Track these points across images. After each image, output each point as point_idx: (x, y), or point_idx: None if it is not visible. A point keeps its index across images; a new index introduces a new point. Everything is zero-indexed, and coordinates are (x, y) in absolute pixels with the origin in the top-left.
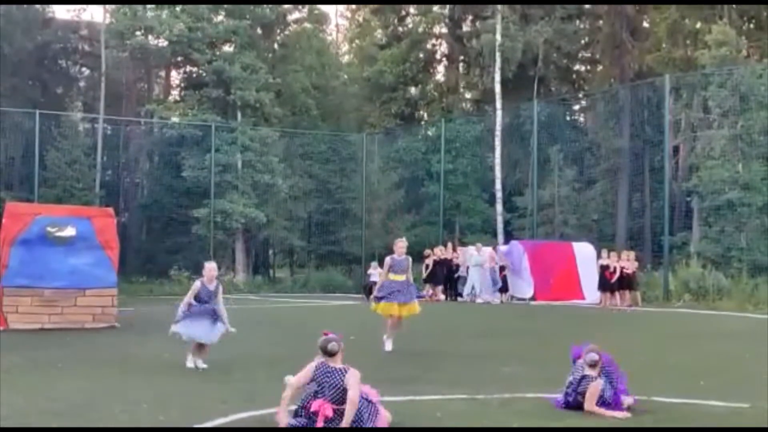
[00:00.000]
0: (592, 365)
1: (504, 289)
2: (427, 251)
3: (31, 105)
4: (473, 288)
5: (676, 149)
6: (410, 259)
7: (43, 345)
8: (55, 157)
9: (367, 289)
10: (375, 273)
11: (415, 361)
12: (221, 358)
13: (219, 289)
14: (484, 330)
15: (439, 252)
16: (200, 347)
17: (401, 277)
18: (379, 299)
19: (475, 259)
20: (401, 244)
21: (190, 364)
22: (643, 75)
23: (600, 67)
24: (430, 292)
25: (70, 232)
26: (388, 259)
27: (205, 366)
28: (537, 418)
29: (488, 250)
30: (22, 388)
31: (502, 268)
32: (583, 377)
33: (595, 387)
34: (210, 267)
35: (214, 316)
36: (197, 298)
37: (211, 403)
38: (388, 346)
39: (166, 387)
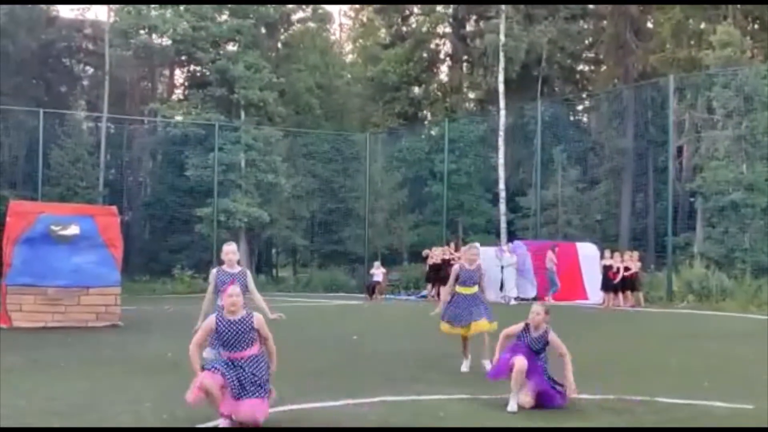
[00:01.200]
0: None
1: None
2: (426, 251)
3: (34, 104)
4: (504, 289)
5: (679, 150)
6: (483, 268)
7: (45, 344)
8: (59, 156)
9: (371, 288)
10: (378, 273)
11: (417, 361)
12: None
13: (248, 276)
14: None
15: (440, 252)
16: None
17: (471, 290)
18: (442, 317)
19: (506, 260)
20: (474, 251)
21: None
22: (647, 75)
23: (604, 68)
24: (433, 292)
25: (73, 230)
26: (456, 268)
27: None
28: (539, 418)
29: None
30: (24, 388)
31: (504, 269)
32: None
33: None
34: (228, 249)
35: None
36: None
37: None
38: (465, 367)
39: (169, 386)
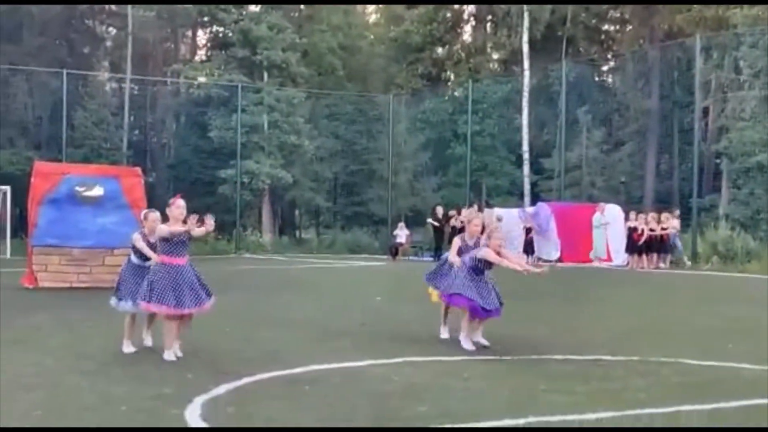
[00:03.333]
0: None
1: (530, 251)
2: (452, 212)
3: (58, 64)
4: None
5: (705, 110)
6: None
7: (72, 303)
8: (83, 117)
9: (394, 250)
10: (401, 234)
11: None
12: (245, 319)
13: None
14: (510, 292)
15: (465, 213)
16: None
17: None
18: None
19: (597, 219)
20: (477, 222)
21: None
22: (673, 35)
23: (629, 27)
24: None
25: (98, 191)
26: (457, 241)
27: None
28: (564, 380)
29: (513, 211)
30: (52, 347)
31: (528, 231)
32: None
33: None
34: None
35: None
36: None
37: (238, 362)
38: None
39: (192, 346)
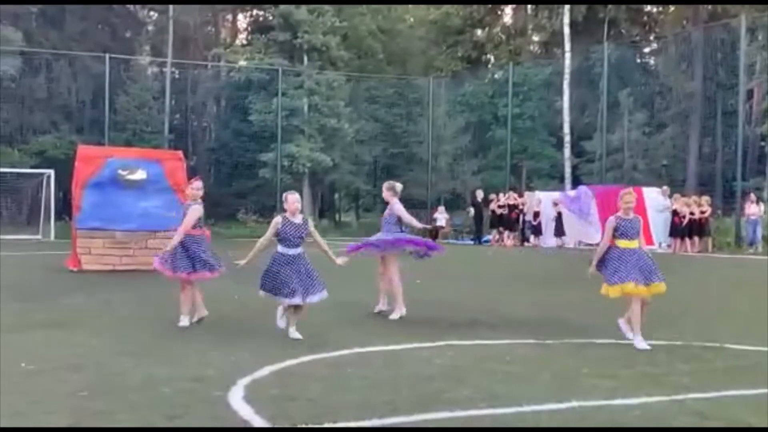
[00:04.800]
0: None
1: (560, 233)
2: (492, 196)
3: (100, 49)
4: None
5: (750, 93)
6: (641, 219)
7: (116, 286)
8: (125, 101)
9: (433, 233)
10: (441, 217)
11: (481, 306)
12: None
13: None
14: (550, 276)
15: (504, 198)
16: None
17: (633, 244)
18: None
19: (660, 204)
20: (629, 198)
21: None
22: (717, 16)
23: (672, 8)
24: (497, 237)
25: (140, 175)
26: (612, 220)
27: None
28: (607, 364)
29: (554, 195)
30: (97, 329)
31: (559, 214)
32: None
33: None
34: (293, 198)
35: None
36: (283, 239)
37: (281, 346)
38: (641, 343)
39: (236, 328)
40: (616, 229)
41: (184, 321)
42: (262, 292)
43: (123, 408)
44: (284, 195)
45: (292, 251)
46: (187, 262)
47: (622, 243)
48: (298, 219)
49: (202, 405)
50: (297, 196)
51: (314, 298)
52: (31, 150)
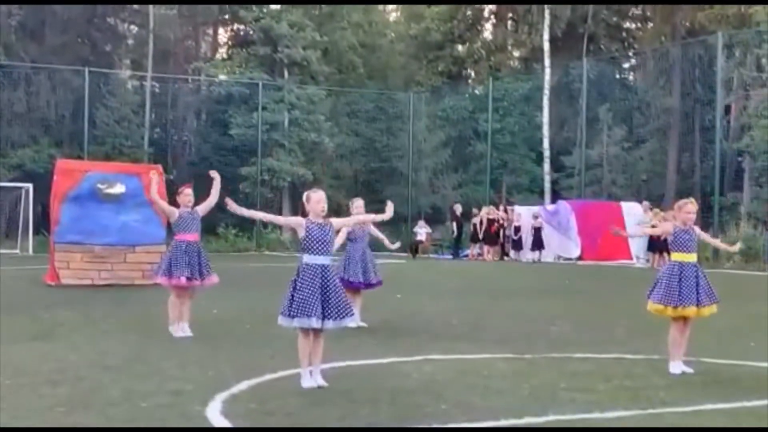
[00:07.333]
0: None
1: (538, 247)
2: (475, 210)
3: (80, 62)
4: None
5: (727, 108)
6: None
7: (95, 300)
8: (104, 115)
9: (414, 247)
10: (422, 231)
11: (461, 320)
12: (267, 315)
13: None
14: (531, 289)
15: (487, 212)
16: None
17: (692, 257)
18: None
19: (641, 218)
20: (691, 207)
21: None
22: (695, 33)
23: (651, 25)
24: (476, 251)
25: (119, 189)
26: (669, 228)
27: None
28: (585, 378)
29: (534, 209)
30: (76, 343)
31: (537, 229)
32: None
33: None
34: (317, 197)
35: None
36: (309, 245)
37: (260, 359)
38: (676, 368)
39: (214, 343)
40: (673, 242)
41: (176, 328)
42: (282, 320)
43: (100, 423)
44: (305, 194)
45: (320, 260)
46: (185, 269)
47: (678, 256)
48: (324, 222)
49: (180, 420)
50: (322, 194)
51: (343, 323)
52: (10, 163)
